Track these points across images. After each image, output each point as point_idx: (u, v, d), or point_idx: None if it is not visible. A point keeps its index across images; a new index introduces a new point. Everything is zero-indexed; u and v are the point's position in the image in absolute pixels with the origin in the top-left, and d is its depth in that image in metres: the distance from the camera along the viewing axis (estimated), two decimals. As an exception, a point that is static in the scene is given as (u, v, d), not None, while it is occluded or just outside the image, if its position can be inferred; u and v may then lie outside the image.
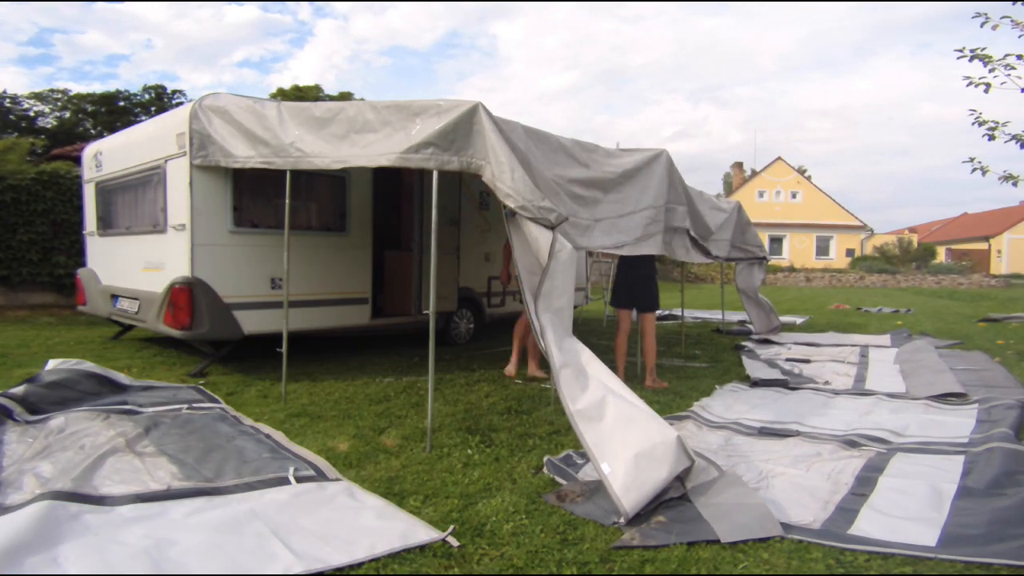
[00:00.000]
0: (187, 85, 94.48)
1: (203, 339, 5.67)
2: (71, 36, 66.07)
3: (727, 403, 4.96)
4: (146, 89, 22.56)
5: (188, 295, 5.41)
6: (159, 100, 22.18)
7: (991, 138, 6.05)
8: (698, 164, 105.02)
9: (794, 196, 38.57)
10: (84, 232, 7.95)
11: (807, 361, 7.10)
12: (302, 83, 22.15)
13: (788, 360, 7.09)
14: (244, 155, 4.94)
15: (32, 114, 21.70)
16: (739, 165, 44.39)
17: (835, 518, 2.80)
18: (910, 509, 2.89)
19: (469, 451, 3.67)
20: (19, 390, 4.25)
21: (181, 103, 21.12)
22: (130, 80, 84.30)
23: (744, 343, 8.39)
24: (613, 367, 6.54)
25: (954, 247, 39.71)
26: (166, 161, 5.78)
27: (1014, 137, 5.98)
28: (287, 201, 4.77)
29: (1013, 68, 5.74)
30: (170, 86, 23.05)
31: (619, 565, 2.40)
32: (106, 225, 7.31)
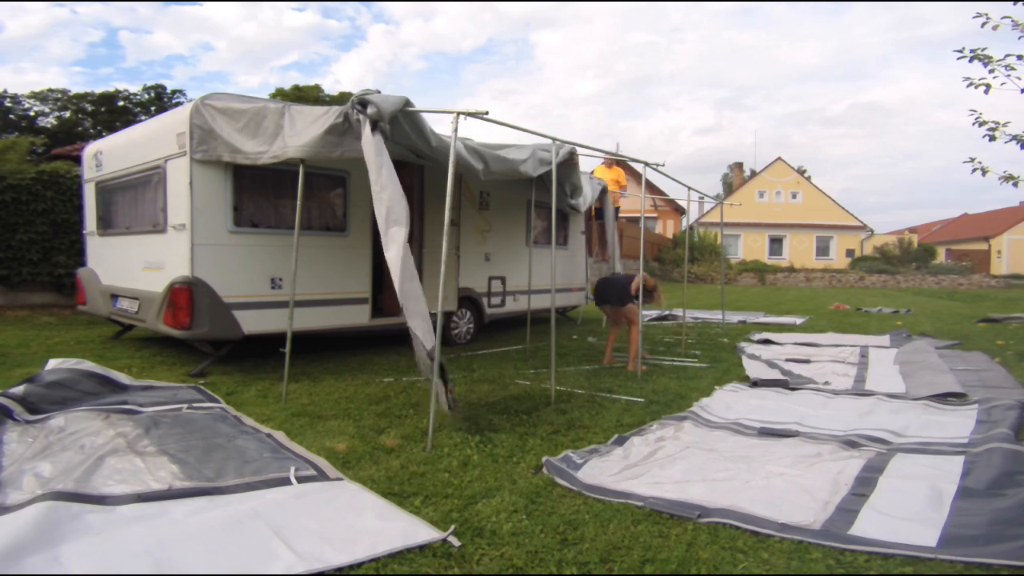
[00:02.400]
0: (235, 87, 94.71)
1: (203, 339, 5.68)
2: (140, 36, 66.37)
3: (727, 403, 4.96)
4: (146, 89, 22.62)
5: (188, 295, 5.41)
6: (159, 100, 22.23)
7: (991, 138, 6.06)
8: (712, 163, 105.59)
9: (794, 196, 38.54)
10: (84, 232, 7.95)
11: (807, 361, 7.09)
12: (344, 86, 22.49)
13: (788, 360, 7.09)
14: (255, 151, 4.99)
15: (32, 114, 21.73)
16: (739, 165, 44.37)
17: (835, 518, 2.80)
18: (910, 509, 2.89)
19: (469, 451, 3.67)
20: (19, 390, 4.25)
21: (181, 103, 21.16)
22: (182, 82, 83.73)
23: (743, 343, 8.39)
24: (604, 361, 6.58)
25: (954, 247, 39.72)
26: (166, 161, 5.78)
27: (1014, 137, 5.99)
28: (299, 201, 4.78)
29: (1013, 68, 5.75)
30: (222, 88, 23.32)
31: (619, 565, 2.41)
32: (106, 225, 7.31)
